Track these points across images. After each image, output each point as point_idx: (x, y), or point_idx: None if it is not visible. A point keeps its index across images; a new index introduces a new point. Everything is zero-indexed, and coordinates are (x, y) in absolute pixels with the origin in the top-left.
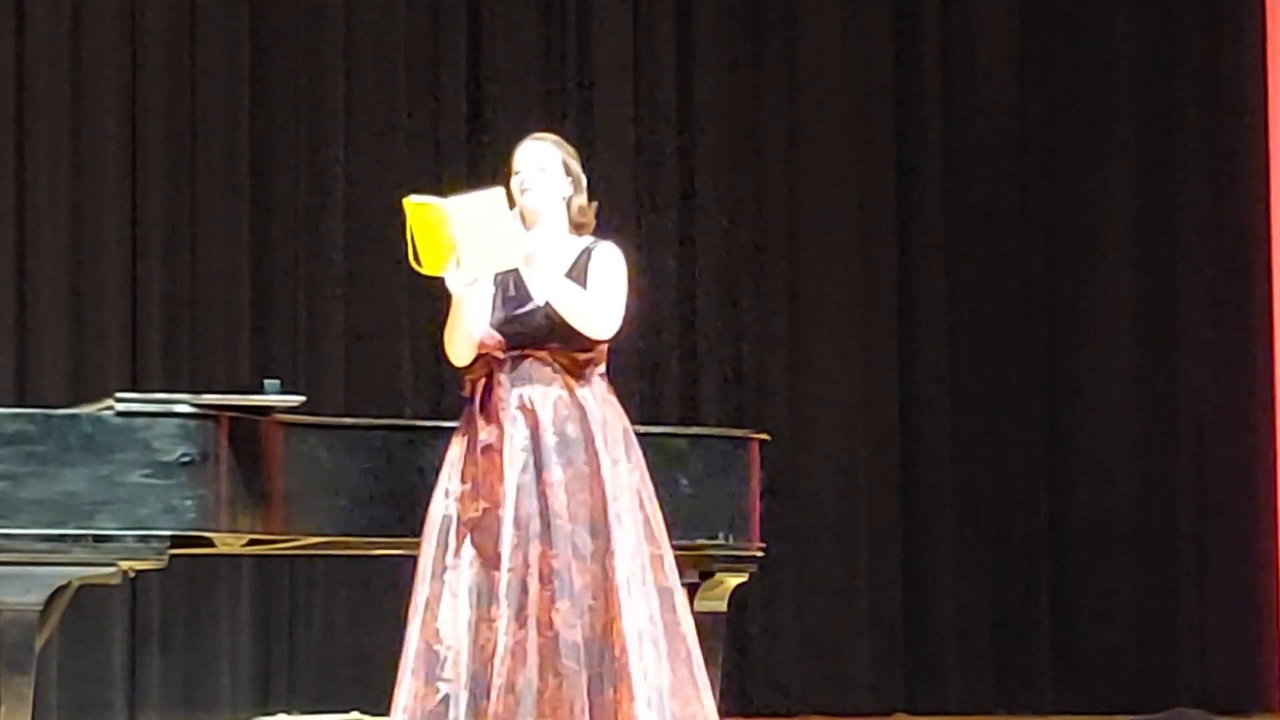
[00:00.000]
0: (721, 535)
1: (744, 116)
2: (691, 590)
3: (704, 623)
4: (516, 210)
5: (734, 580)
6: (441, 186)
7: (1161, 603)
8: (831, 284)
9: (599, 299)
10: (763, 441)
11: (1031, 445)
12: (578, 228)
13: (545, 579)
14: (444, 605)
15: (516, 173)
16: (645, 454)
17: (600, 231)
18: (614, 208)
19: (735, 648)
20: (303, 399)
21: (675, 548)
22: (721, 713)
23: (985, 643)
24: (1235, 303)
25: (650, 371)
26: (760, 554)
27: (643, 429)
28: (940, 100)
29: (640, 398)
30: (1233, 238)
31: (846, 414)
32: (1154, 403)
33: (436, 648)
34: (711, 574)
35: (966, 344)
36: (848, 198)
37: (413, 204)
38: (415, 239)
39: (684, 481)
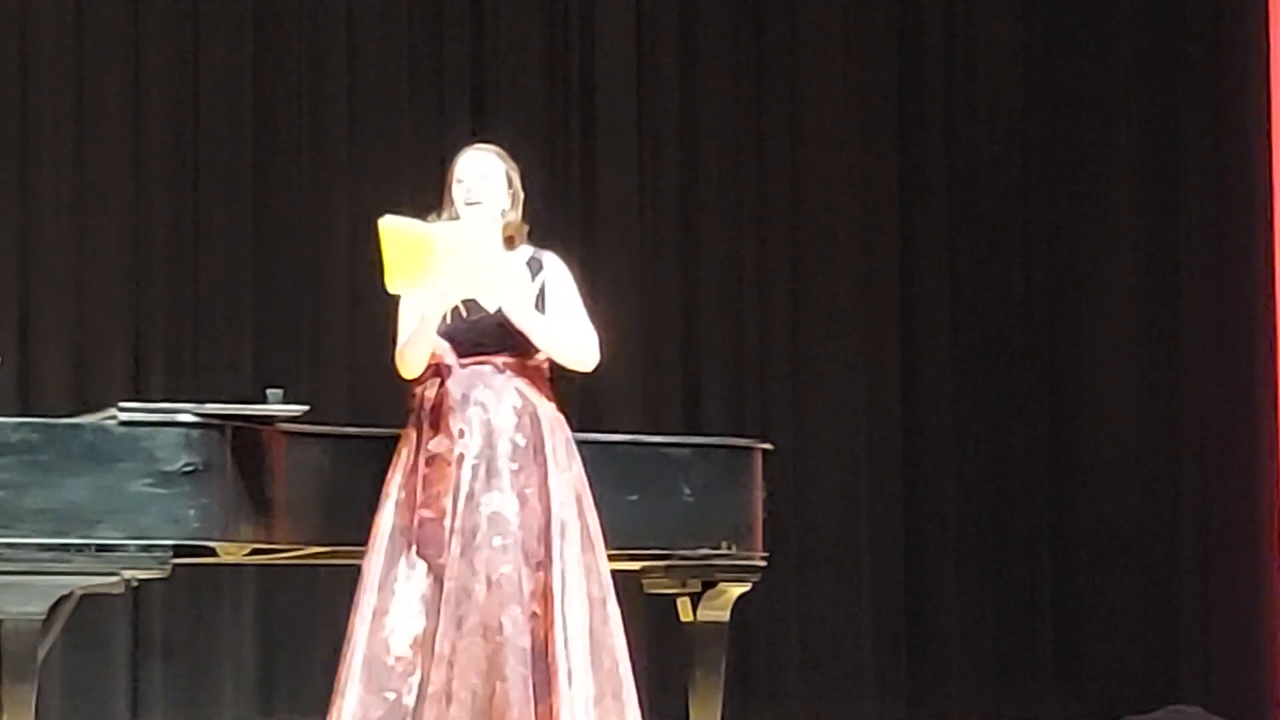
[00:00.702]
0: (725, 545)
1: (747, 120)
2: (694, 600)
3: (707, 632)
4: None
5: (737, 590)
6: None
7: (1164, 607)
8: (834, 289)
9: (578, 334)
10: (766, 451)
11: (1034, 449)
12: (508, 241)
13: (493, 585)
14: (393, 616)
15: (460, 181)
16: (648, 463)
17: (604, 234)
18: (617, 211)
19: (738, 656)
20: (306, 408)
21: (678, 557)
22: None
23: (988, 648)
24: (1238, 305)
25: (652, 378)
26: (764, 563)
27: (645, 438)
28: (943, 104)
29: (642, 405)
30: (1235, 242)
31: (849, 419)
32: (1157, 405)
33: (385, 659)
34: (714, 584)
35: (969, 348)
36: (850, 203)
37: (390, 226)
38: (388, 258)
39: (687, 491)
